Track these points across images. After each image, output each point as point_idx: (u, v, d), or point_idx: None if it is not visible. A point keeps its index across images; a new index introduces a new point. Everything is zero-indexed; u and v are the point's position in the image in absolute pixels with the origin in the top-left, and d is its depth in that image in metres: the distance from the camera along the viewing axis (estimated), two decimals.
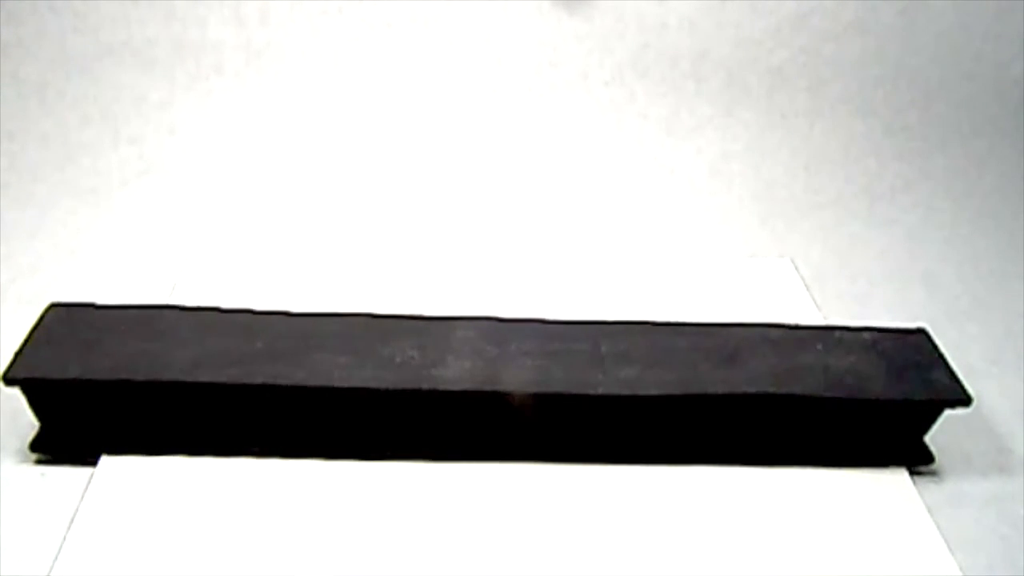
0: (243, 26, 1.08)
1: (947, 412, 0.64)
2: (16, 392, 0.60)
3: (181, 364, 0.60)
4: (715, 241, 0.88)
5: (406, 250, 0.83)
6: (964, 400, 0.62)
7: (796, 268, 0.84)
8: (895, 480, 0.63)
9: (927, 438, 0.65)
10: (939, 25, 1.15)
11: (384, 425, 0.62)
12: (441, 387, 0.60)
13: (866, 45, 1.14)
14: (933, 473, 0.64)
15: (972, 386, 0.63)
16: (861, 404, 0.62)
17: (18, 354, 0.60)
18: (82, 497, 0.58)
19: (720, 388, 0.61)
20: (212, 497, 0.59)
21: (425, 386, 0.60)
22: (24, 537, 0.55)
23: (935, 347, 0.66)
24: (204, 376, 0.60)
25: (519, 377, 0.61)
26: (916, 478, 0.64)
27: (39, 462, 0.61)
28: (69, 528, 0.56)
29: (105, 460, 0.60)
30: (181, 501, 0.58)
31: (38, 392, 0.60)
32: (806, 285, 0.82)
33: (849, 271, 0.85)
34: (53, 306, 0.65)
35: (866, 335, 0.67)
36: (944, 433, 0.65)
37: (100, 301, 0.66)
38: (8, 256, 0.79)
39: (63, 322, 0.63)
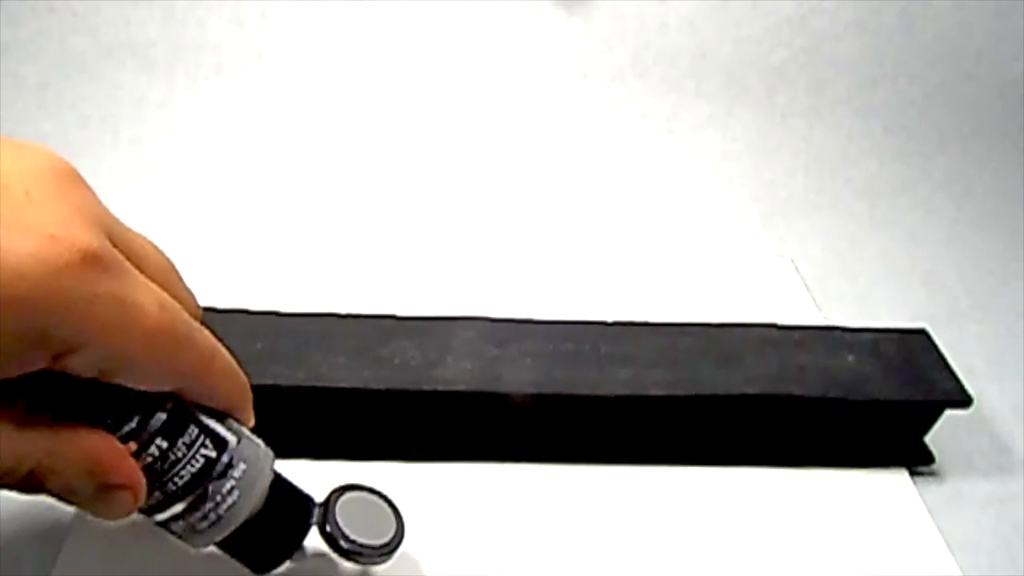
0: (243, 26, 1.08)
1: (947, 412, 0.64)
2: None
3: None
4: (715, 241, 0.88)
5: (405, 250, 0.83)
6: (964, 400, 0.62)
7: (796, 268, 0.84)
8: (895, 480, 0.63)
9: (927, 438, 0.65)
10: (939, 25, 1.15)
11: (383, 425, 0.62)
12: (441, 387, 0.60)
13: (866, 45, 1.14)
14: (933, 473, 0.64)
15: (972, 386, 0.63)
16: (861, 404, 0.62)
17: None
18: None
19: (720, 388, 0.61)
20: None
21: (425, 386, 0.60)
22: (24, 537, 0.55)
23: (935, 347, 0.66)
24: None
25: (519, 378, 0.61)
26: (916, 478, 0.64)
27: None
28: (69, 529, 0.56)
29: None
30: None
31: None
32: (806, 285, 0.82)
33: (849, 271, 0.85)
34: None
35: (866, 335, 0.67)
36: (944, 433, 0.65)
37: None
38: None
39: None
